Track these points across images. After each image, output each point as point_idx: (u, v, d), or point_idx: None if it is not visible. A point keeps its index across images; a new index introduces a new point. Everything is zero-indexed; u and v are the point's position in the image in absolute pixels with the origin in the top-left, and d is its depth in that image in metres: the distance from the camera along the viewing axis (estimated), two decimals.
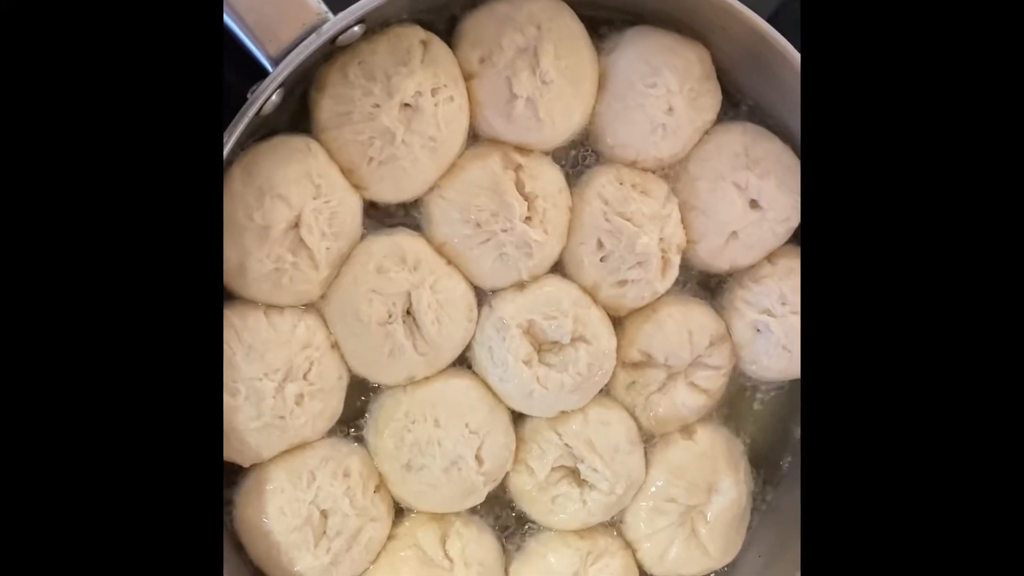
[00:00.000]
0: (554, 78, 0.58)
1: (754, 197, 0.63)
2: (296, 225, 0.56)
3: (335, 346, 0.59)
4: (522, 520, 0.65)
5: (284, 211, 0.55)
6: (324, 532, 0.58)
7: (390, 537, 0.61)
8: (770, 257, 0.65)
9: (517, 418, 0.63)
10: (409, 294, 0.58)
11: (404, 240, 0.59)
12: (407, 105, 0.56)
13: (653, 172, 0.63)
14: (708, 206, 0.63)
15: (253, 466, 0.59)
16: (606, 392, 0.64)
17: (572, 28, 0.60)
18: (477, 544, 0.62)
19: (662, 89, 0.60)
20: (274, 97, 0.53)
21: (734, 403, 0.68)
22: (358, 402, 0.62)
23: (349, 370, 0.60)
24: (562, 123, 0.60)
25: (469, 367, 0.62)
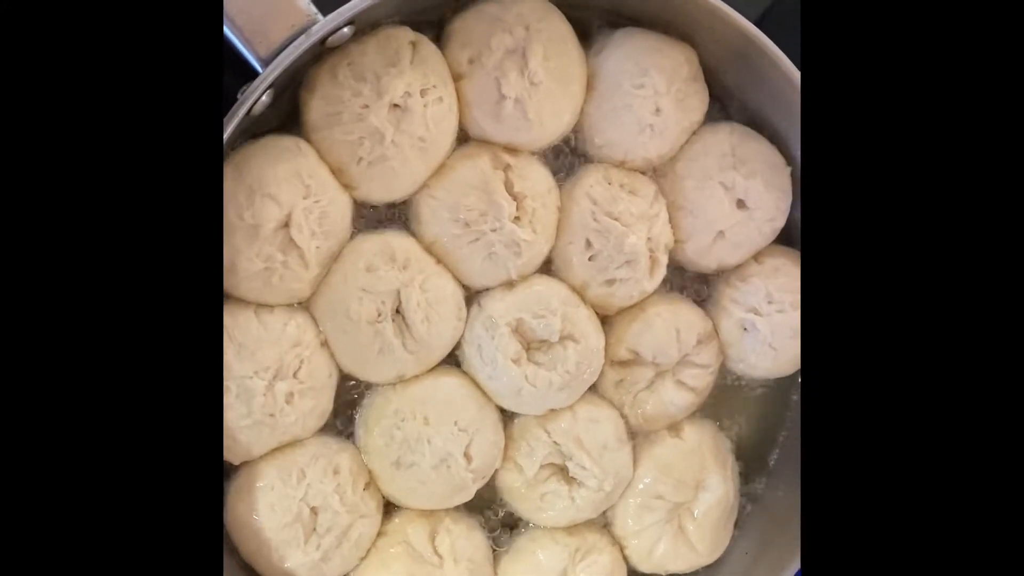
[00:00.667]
0: (543, 79, 0.59)
1: (741, 197, 0.63)
2: (286, 224, 0.56)
3: (325, 344, 0.59)
4: (511, 517, 0.66)
5: (274, 210, 0.56)
6: (314, 529, 0.59)
7: (380, 534, 0.62)
8: (757, 256, 0.65)
9: (506, 416, 0.63)
10: (399, 293, 0.58)
11: (394, 239, 0.59)
12: (396, 106, 0.57)
13: (641, 172, 0.63)
14: (695, 206, 0.63)
15: (243, 464, 0.59)
16: (594, 390, 0.64)
17: (560, 29, 0.60)
18: (466, 541, 0.63)
19: (650, 90, 0.61)
20: (264, 97, 0.53)
21: (721, 401, 0.69)
22: (348, 400, 0.62)
23: (339, 368, 0.60)
24: (551, 123, 0.60)
25: (458, 365, 0.63)
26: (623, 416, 0.65)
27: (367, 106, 0.56)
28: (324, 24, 0.53)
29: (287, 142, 0.57)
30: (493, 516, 0.66)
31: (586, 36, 0.63)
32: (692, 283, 0.67)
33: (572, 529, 0.65)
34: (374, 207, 0.61)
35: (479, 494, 0.63)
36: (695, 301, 0.66)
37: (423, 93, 0.57)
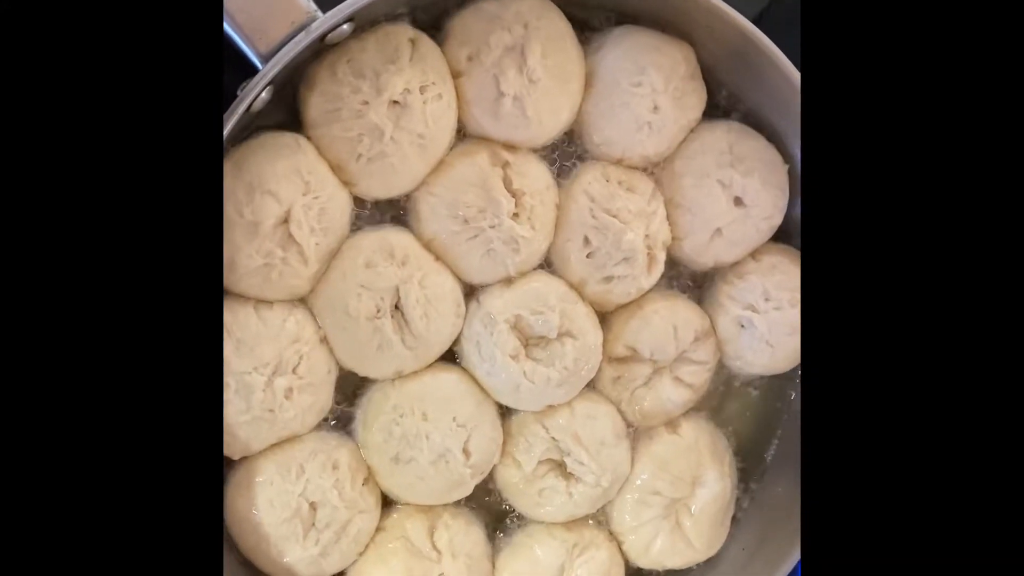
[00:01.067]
0: (541, 76, 0.59)
1: (738, 194, 0.63)
2: (286, 221, 0.56)
3: (324, 340, 0.59)
4: (509, 512, 0.66)
5: (274, 207, 0.56)
6: (313, 524, 0.59)
7: (378, 529, 0.62)
8: (754, 254, 0.66)
9: (504, 412, 0.64)
10: (397, 289, 0.59)
11: (392, 236, 0.59)
12: (395, 102, 0.57)
13: (639, 169, 0.64)
14: (693, 203, 0.63)
15: (243, 459, 0.59)
16: (592, 386, 0.64)
17: (559, 27, 0.60)
18: (465, 536, 0.63)
19: (648, 88, 0.61)
20: (264, 94, 0.54)
21: (718, 397, 0.69)
22: (347, 396, 0.63)
23: (338, 364, 0.61)
24: (549, 121, 0.60)
25: (457, 362, 0.63)
26: (621, 412, 0.65)
27: (366, 103, 0.56)
28: (324, 21, 0.53)
29: (286, 139, 0.57)
30: (491, 512, 0.66)
31: (584, 34, 0.63)
32: (690, 280, 0.67)
33: (570, 525, 0.65)
34: (373, 203, 0.61)
35: (477, 489, 0.63)
36: (692, 298, 0.67)
37: (422, 90, 0.57)
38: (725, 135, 0.64)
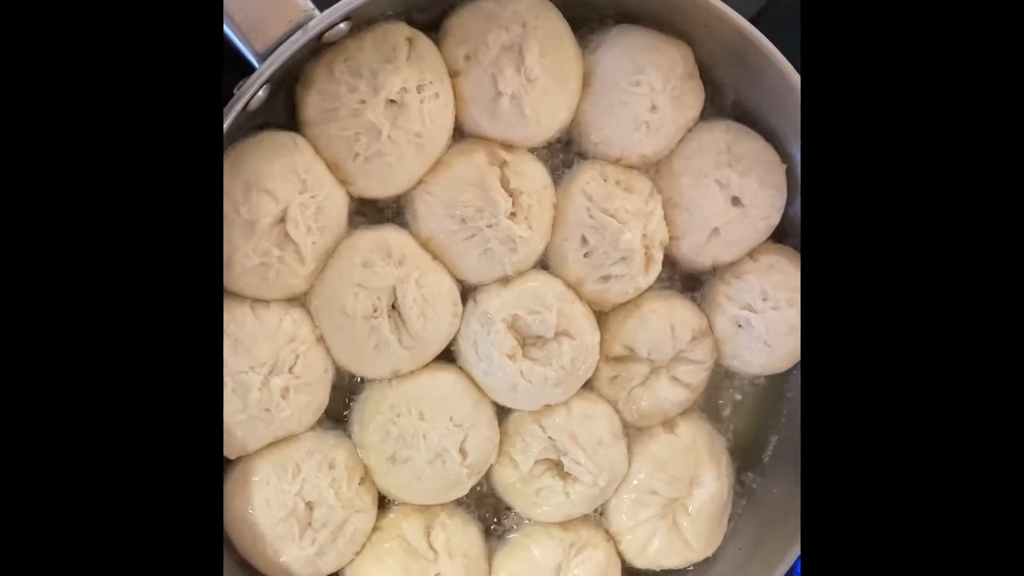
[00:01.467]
0: (539, 76, 0.59)
1: (736, 194, 0.63)
2: (282, 220, 0.56)
3: (321, 340, 0.59)
4: (506, 512, 0.66)
5: (270, 205, 0.56)
6: (309, 524, 0.59)
7: (375, 528, 0.62)
8: (751, 254, 0.66)
9: (501, 411, 0.64)
10: (394, 288, 0.59)
11: (390, 235, 0.59)
12: (393, 101, 0.57)
13: (637, 169, 0.64)
14: (691, 203, 0.63)
15: (239, 458, 0.59)
16: (589, 386, 0.64)
17: (557, 26, 0.60)
18: (462, 535, 0.63)
19: (646, 87, 0.61)
20: (261, 93, 0.54)
21: (716, 397, 0.69)
22: (344, 395, 0.63)
23: (335, 363, 0.61)
24: (547, 120, 0.60)
25: (454, 361, 0.63)
26: (618, 412, 0.65)
27: (363, 102, 0.56)
28: (321, 19, 0.53)
29: (283, 138, 0.57)
30: (488, 511, 0.66)
31: (582, 33, 0.63)
32: (687, 280, 0.67)
33: (567, 524, 0.65)
34: (370, 202, 0.61)
35: (474, 489, 0.63)
36: (690, 298, 0.67)
37: (419, 89, 0.57)
38: (723, 135, 0.64)
